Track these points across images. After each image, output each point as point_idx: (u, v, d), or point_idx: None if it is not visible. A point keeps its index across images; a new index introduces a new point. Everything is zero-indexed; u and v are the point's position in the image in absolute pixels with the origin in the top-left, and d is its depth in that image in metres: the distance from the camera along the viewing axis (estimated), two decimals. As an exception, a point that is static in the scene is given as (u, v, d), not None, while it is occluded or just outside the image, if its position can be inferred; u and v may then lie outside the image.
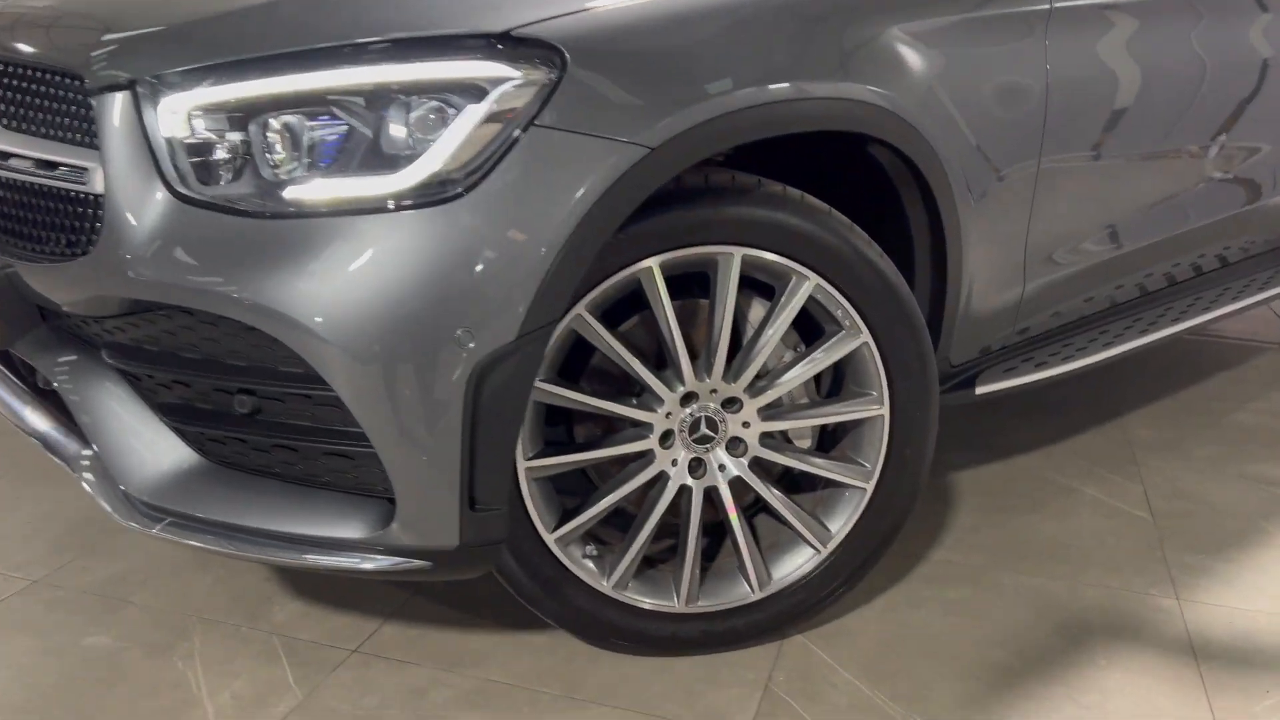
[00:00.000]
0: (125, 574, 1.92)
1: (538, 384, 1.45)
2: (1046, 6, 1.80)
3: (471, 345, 1.23)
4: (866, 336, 1.57)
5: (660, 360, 1.56)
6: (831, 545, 1.65)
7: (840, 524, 1.65)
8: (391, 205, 1.22)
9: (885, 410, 1.61)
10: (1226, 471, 2.38)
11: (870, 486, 1.64)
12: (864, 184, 1.71)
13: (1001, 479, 2.33)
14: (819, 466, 1.63)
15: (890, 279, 1.57)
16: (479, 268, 1.22)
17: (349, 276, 1.23)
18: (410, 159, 1.23)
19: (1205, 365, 3.07)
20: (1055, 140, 1.86)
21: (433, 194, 1.22)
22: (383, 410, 1.24)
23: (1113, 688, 1.63)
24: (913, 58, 1.58)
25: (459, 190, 1.23)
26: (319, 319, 1.23)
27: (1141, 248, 2.32)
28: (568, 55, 1.25)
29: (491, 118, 1.23)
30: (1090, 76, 1.90)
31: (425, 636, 1.73)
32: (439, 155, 1.23)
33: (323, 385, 1.27)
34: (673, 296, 1.59)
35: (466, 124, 1.23)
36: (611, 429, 1.60)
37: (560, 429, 1.65)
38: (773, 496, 1.61)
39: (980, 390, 1.98)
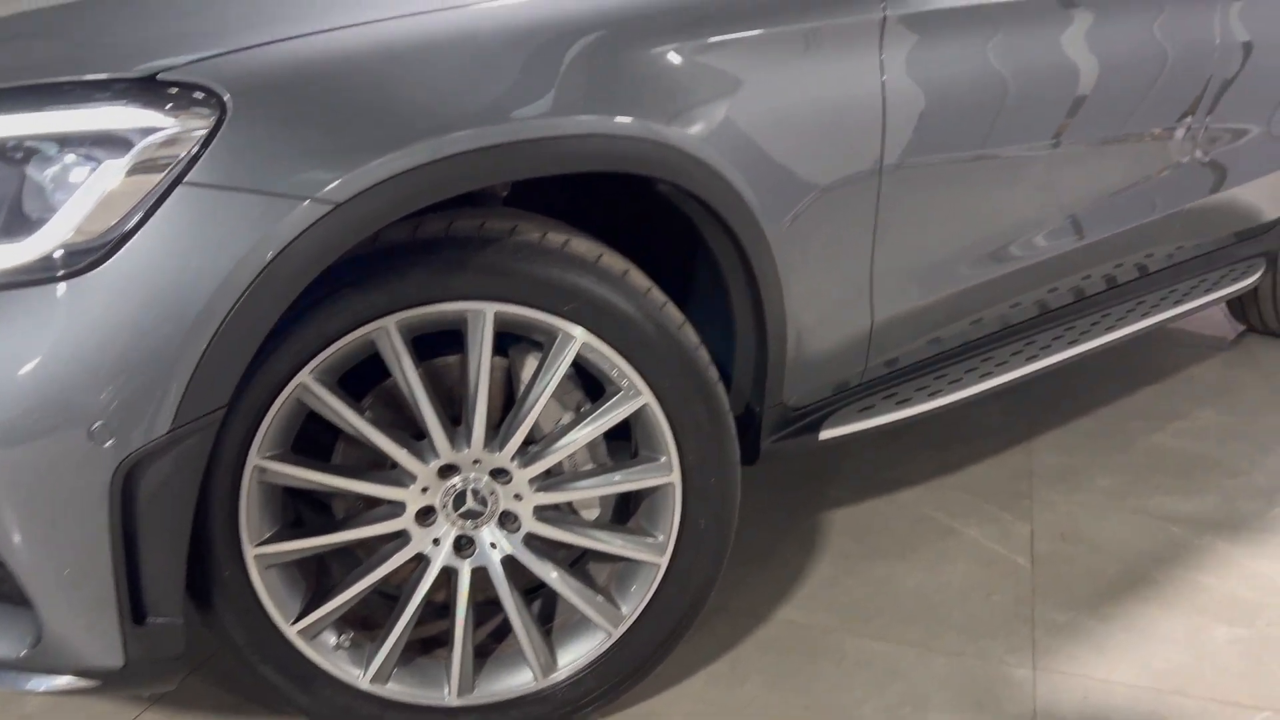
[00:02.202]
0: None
1: (261, 461, 1.28)
2: (880, 15, 1.60)
3: (111, 442, 1.06)
4: (648, 397, 1.39)
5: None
6: (624, 627, 1.48)
7: (633, 604, 1.48)
8: (10, 279, 1.05)
9: (675, 477, 1.43)
10: (1125, 505, 2.19)
11: (664, 561, 1.46)
12: (672, 219, 1.53)
13: (878, 518, 2.16)
14: (603, 541, 1.45)
15: (672, 331, 1.39)
16: (116, 351, 1.05)
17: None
18: (38, 224, 1.06)
19: (1135, 374, 2.88)
20: (899, 159, 1.67)
21: (60, 265, 1.04)
22: (6, 517, 1.07)
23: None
24: (697, 82, 1.38)
25: (93, 260, 1.05)
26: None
27: (1036, 263, 2.13)
28: (228, 100, 1.07)
29: (135, 174, 1.05)
30: (943, 86, 1.70)
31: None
32: (69, 220, 1.05)
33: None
34: (442, 351, 1.44)
35: (103, 183, 1.05)
36: (372, 502, 1.43)
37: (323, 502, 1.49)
38: (551, 576, 1.44)
39: (826, 435, 1.80)
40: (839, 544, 2.06)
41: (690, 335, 1.42)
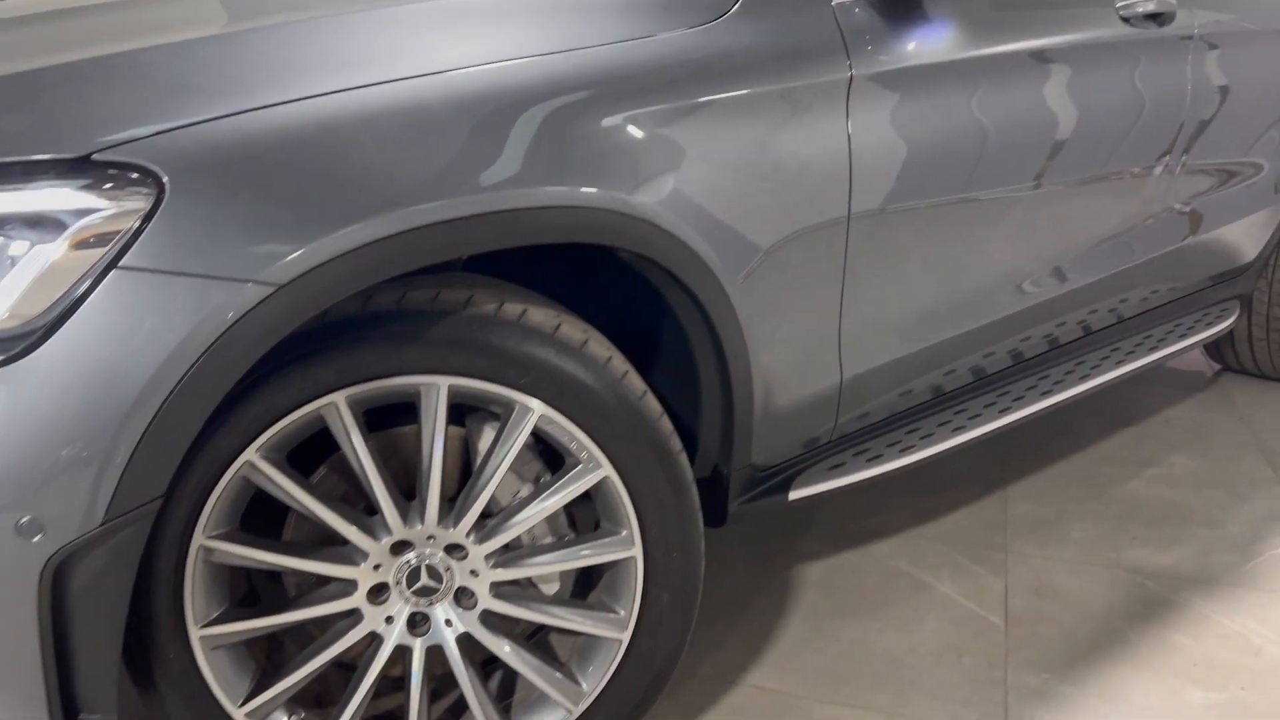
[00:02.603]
0: None
1: (206, 541, 1.24)
2: (846, 75, 1.59)
3: (40, 537, 1.02)
4: (608, 469, 1.36)
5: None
6: (585, 704, 1.43)
7: (594, 680, 1.44)
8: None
9: (637, 551, 1.40)
10: (1100, 559, 2.17)
11: (625, 637, 1.42)
12: (635, 280, 1.50)
13: (850, 573, 2.12)
14: (562, 618, 1.41)
15: (633, 402, 1.36)
16: (46, 441, 1.00)
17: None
18: (-38, 310, 1.02)
19: (1110, 415, 2.87)
20: (866, 216, 1.65)
21: (-18, 353, 1.01)
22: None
23: None
24: (659, 148, 1.36)
25: (24, 346, 1.00)
26: None
27: (1010, 314, 2.11)
28: (166, 180, 1.04)
29: (69, 257, 1.01)
30: (911, 142, 1.68)
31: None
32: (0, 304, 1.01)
33: None
34: (400, 417, 1.40)
35: (37, 266, 1.01)
36: (325, 578, 1.39)
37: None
38: (508, 654, 1.40)
39: (796, 495, 1.77)
40: (810, 600, 2.02)
41: (652, 405, 1.39)
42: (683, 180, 1.39)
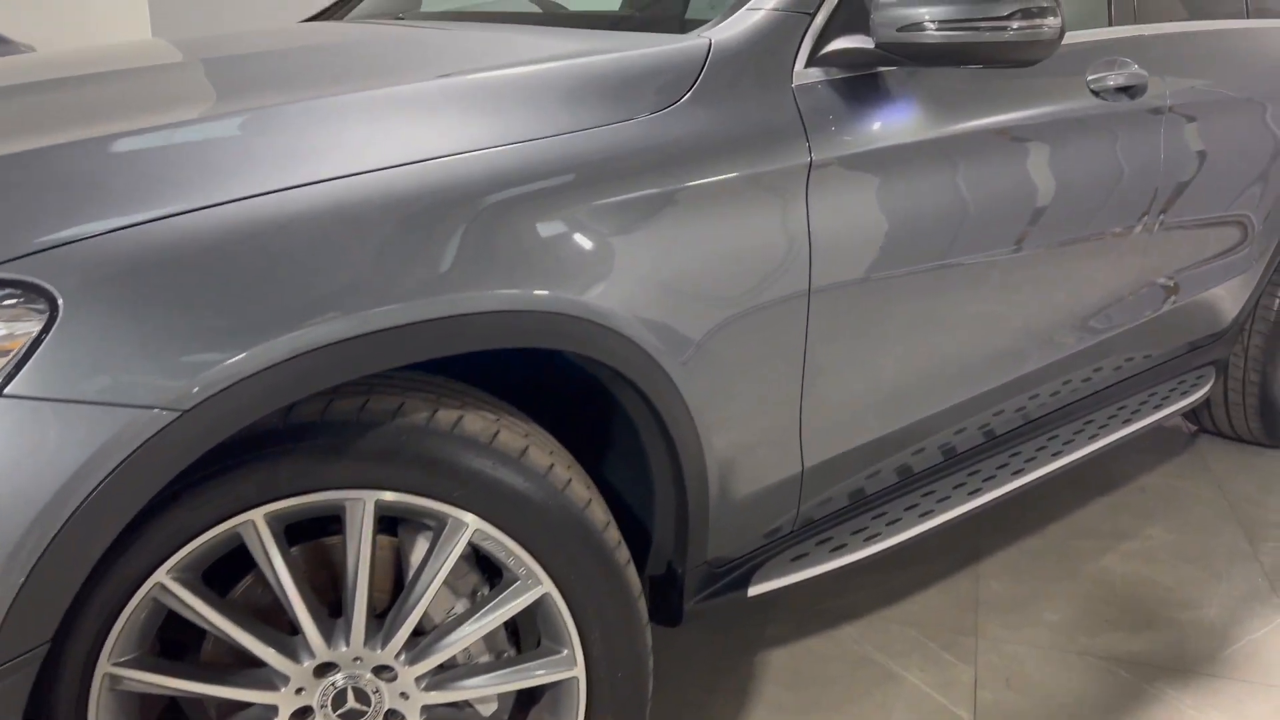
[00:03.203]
0: None
1: (113, 669, 1.16)
2: (805, 160, 1.53)
3: (-92, 693, 0.94)
4: (548, 586, 1.28)
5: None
6: (523, 832, 1.36)
7: (534, 807, 1.36)
8: None
9: (579, 671, 1.32)
10: (1073, 645, 2.10)
11: (568, 762, 1.35)
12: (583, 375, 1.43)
13: (816, 662, 2.04)
14: (499, 742, 1.34)
15: (575, 514, 1.28)
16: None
17: None
18: None
19: (1085, 482, 2.81)
20: (827, 302, 1.59)
21: None
22: None
23: None
24: (602, 242, 1.29)
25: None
26: None
27: (982, 392, 2.05)
28: (61, 299, 0.96)
29: (-51, 385, 0.94)
30: (873, 225, 1.63)
31: None
32: None
33: None
34: (327, 529, 1.32)
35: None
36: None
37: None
38: (441, 779, 1.31)
39: (756, 590, 1.70)
40: (773, 695, 1.94)
41: (597, 514, 1.31)
42: (631, 275, 1.32)
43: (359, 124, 1.21)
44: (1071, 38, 2.07)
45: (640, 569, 1.60)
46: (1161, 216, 2.27)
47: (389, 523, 1.31)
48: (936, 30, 1.55)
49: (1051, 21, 1.59)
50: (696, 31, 1.56)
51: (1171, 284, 2.46)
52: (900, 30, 1.57)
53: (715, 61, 1.49)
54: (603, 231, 1.30)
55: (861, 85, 1.64)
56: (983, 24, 1.55)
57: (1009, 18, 1.56)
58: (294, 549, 1.27)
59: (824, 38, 1.61)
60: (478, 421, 1.24)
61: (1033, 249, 1.95)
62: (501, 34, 1.76)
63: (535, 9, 2.33)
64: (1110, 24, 2.19)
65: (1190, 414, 3.20)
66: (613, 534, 1.33)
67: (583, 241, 1.28)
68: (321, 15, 2.54)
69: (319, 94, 1.25)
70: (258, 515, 1.16)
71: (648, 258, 1.34)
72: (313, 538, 1.32)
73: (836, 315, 1.62)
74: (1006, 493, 2.08)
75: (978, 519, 2.56)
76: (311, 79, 1.42)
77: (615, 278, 1.30)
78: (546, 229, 1.24)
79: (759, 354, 1.53)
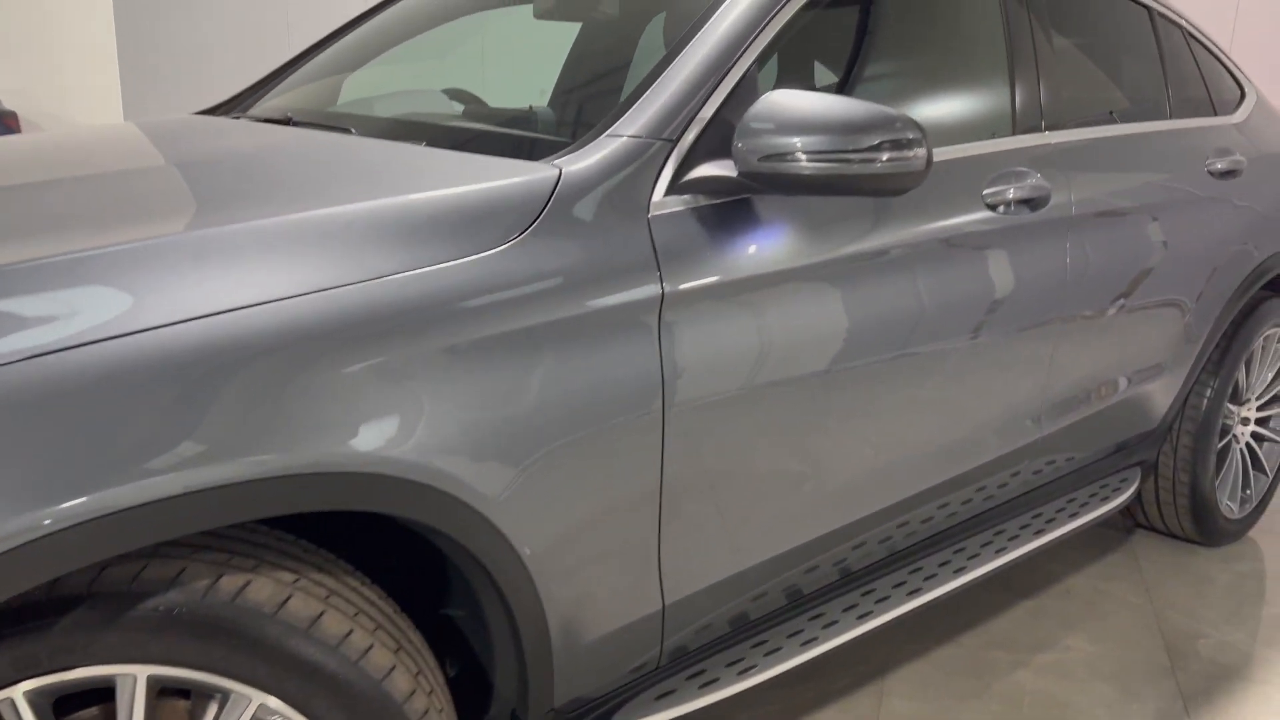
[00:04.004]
0: None
1: None
2: (656, 293, 1.47)
3: None
4: (345, 761, 1.21)
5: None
6: None
7: None
8: None
9: None
10: (970, 776, 2.02)
11: None
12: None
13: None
14: None
15: (373, 683, 1.20)
16: None
17: None
18: None
19: (1008, 582, 2.73)
20: (684, 436, 1.52)
21: None
22: None
23: None
24: (425, 393, 1.23)
25: None
26: None
27: (878, 511, 1.99)
28: None
29: None
30: (733, 351, 1.57)
31: None
32: None
33: None
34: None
35: None
36: None
37: None
38: None
39: (613, 734, 1.62)
40: (645, 831, 1.85)
41: (399, 684, 1.24)
42: (453, 425, 1.26)
43: (147, 274, 1.15)
44: (971, 149, 2.04)
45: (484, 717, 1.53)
46: (1067, 327, 2.21)
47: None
48: (801, 162, 1.50)
49: (919, 152, 1.55)
50: (550, 159, 1.51)
51: (1088, 390, 2.41)
52: (763, 160, 1.53)
53: (563, 193, 1.44)
54: (424, 380, 1.24)
55: (728, 212, 1.60)
56: (851, 155, 1.51)
57: (876, 149, 1.52)
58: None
59: (687, 164, 1.57)
60: (266, 587, 1.17)
61: (919, 367, 1.90)
62: (357, 155, 1.70)
63: (430, 112, 2.29)
64: (1014, 133, 2.15)
65: (1125, 510, 3.14)
66: (418, 703, 1.26)
67: (401, 392, 1.22)
68: (236, 100, 2.50)
69: (111, 243, 1.19)
70: (16, 693, 1.09)
71: (474, 404, 1.28)
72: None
73: (696, 449, 1.56)
74: (902, 614, 2.02)
75: (886, 631, 2.49)
76: (121, 215, 1.34)
77: (434, 429, 1.24)
78: (354, 381, 1.18)
79: (607, 496, 1.47)
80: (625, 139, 1.54)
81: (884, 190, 1.56)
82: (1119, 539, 3.09)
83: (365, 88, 2.46)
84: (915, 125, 1.54)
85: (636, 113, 1.58)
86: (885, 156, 1.53)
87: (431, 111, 2.29)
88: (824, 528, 1.88)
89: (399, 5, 2.61)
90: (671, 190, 1.55)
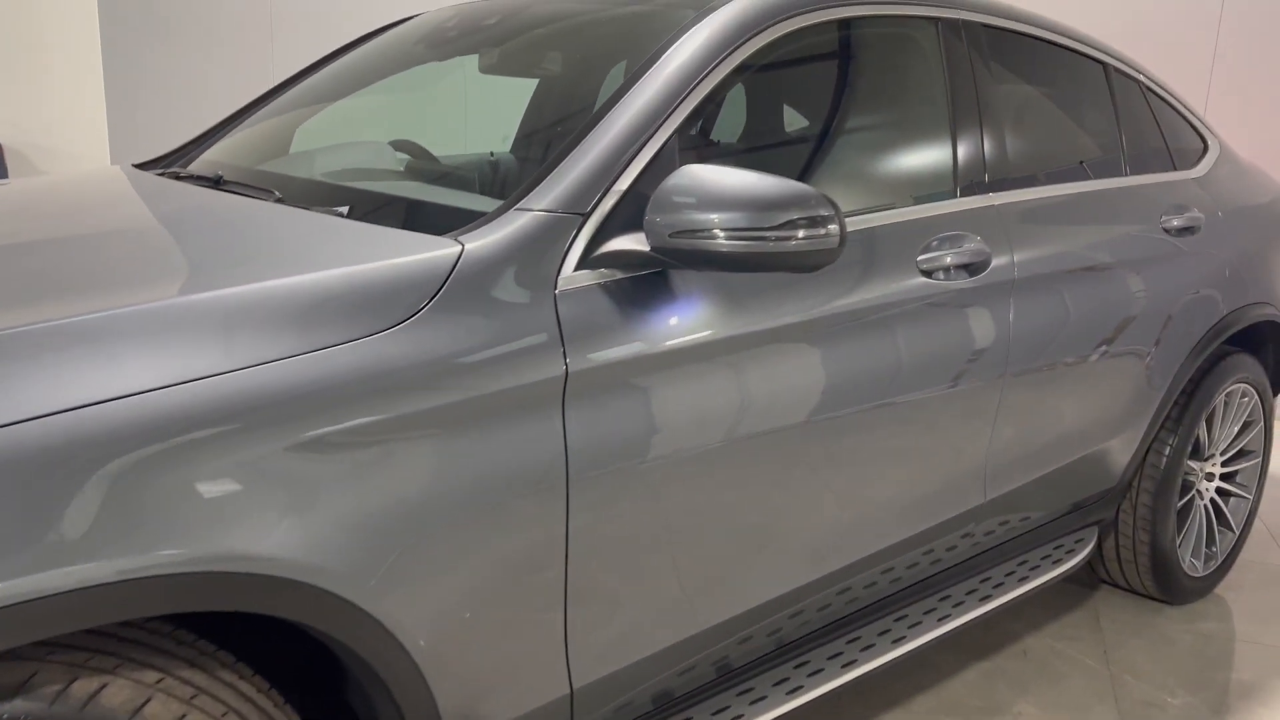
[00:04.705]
0: None
1: None
2: (559, 372, 1.44)
3: None
4: None
5: None
6: None
7: None
8: None
9: None
10: None
11: None
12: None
13: None
14: None
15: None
16: None
17: None
18: None
19: (963, 644, 2.68)
20: (591, 518, 1.49)
21: None
22: None
23: None
24: (310, 485, 1.20)
25: None
26: None
27: (818, 579, 1.95)
28: None
29: None
30: (639, 431, 1.54)
31: None
32: None
33: None
34: None
35: None
36: None
37: None
38: None
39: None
40: None
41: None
42: (330, 518, 1.23)
43: (13, 363, 1.12)
44: (905, 214, 2.01)
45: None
46: (1011, 391, 2.18)
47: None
48: (713, 239, 1.48)
49: (832, 229, 1.52)
50: (454, 234, 1.49)
51: (1038, 451, 2.37)
52: (674, 236, 1.50)
53: (464, 271, 1.42)
54: (295, 471, 1.21)
55: (643, 285, 1.57)
56: (763, 233, 1.48)
57: (789, 226, 1.49)
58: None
59: (601, 237, 1.54)
60: (124, 690, 1.13)
61: (849, 436, 1.86)
62: (260, 227, 1.65)
63: (368, 168, 2.27)
64: (956, 195, 2.13)
65: (1088, 565, 3.09)
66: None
67: (269, 484, 1.19)
68: (189, 146, 2.49)
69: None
70: None
71: (353, 493, 1.25)
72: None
73: (604, 529, 1.52)
74: (833, 688, 1.97)
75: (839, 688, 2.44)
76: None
77: (304, 520, 1.21)
78: (216, 473, 1.15)
79: (507, 584, 1.43)
80: (535, 213, 1.52)
81: (797, 267, 1.53)
82: (1082, 595, 3.04)
83: (318, 136, 2.45)
84: (828, 202, 1.52)
85: (549, 185, 1.56)
86: (799, 234, 1.50)
87: (370, 168, 2.27)
88: (755, 599, 1.84)
89: (360, 51, 2.59)
90: (583, 264, 1.52)
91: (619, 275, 1.55)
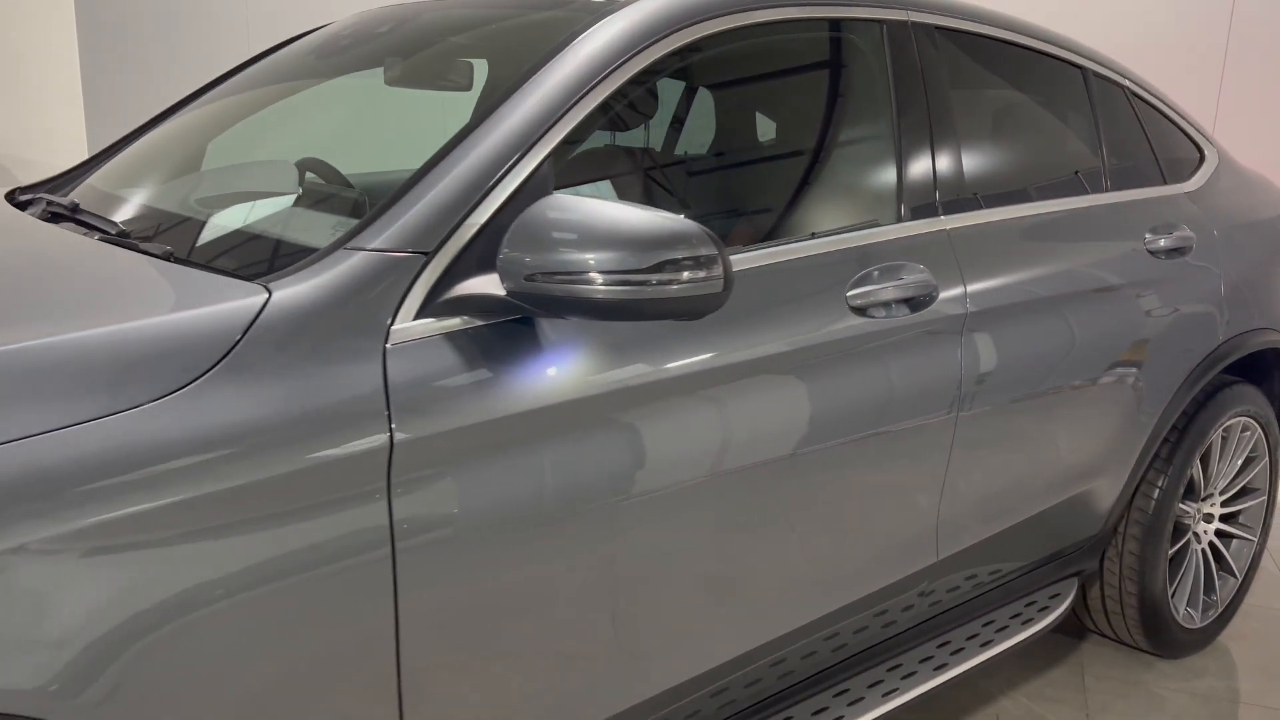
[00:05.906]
0: None
1: None
2: (382, 441, 1.22)
3: None
4: None
5: None
6: None
7: None
8: None
9: None
10: None
11: None
12: None
13: None
14: None
15: None
16: None
17: None
18: None
19: (934, 709, 2.44)
20: (424, 616, 1.28)
21: None
22: None
23: None
24: (52, 595, 1.00)
25: None
26: None
27: (736, 657, 1.72)
28: None
29: None
30: (513, 511, 1.33)
31: None
32: None
33: None
34: None
35: None
36: None
37: None
38: None
39: None
40: None
41: None
42: (70, 633, 1.02)
43: None
44: (832, 244, 1.77)
45: None
46: (964, 436, 1.93)
47: None
48: (578, 283, 1.26)
49: (715, 271, 1.29)
50: (266, 279, 1.27)
51: (1001, 499, 2.12)
52: (531, 279, 1.28)
53: (266, 324, 1.20)
54: (25, 576, 1.00)
55: (501, 336, 1.35)
56: (631, 276, 1.26)
57: (665, 269, 1.26)
58: None
59: (449, 280, 1.33)
60: None
61: (763, 495, 1.63)
62: (63, 273, 1.44)
63: (233, 193, 2.07)
64: (899, 220, 1.88)
65: (1074, 615, 2.83)
66: None
67: (29, 599, 0.99)
68: (85, 165, 2.30)
69: None
70: None
71: (95, 602, 1.04)
72: None
73: (439, 630, 1.30)
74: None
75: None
76: None
77: (35, 645, 1.00)
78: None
79: (318, 698, 1.22)
80: (365, 254, 1.30)
81: (677, 314, 1.31)
82: (1068, 647, 2.78)
83: (227, 153, 2.26)
84: (711, 239, 1.29)
85: (386, 221, 1.34)
86: (682, 276, 1.27)
87: (252, 190, 2.06)
88: (665, 681, 1.62)
89: (269, 60, 2.39)
90: (426, 312, 1.31)
91: (473, 323, 1.33)
